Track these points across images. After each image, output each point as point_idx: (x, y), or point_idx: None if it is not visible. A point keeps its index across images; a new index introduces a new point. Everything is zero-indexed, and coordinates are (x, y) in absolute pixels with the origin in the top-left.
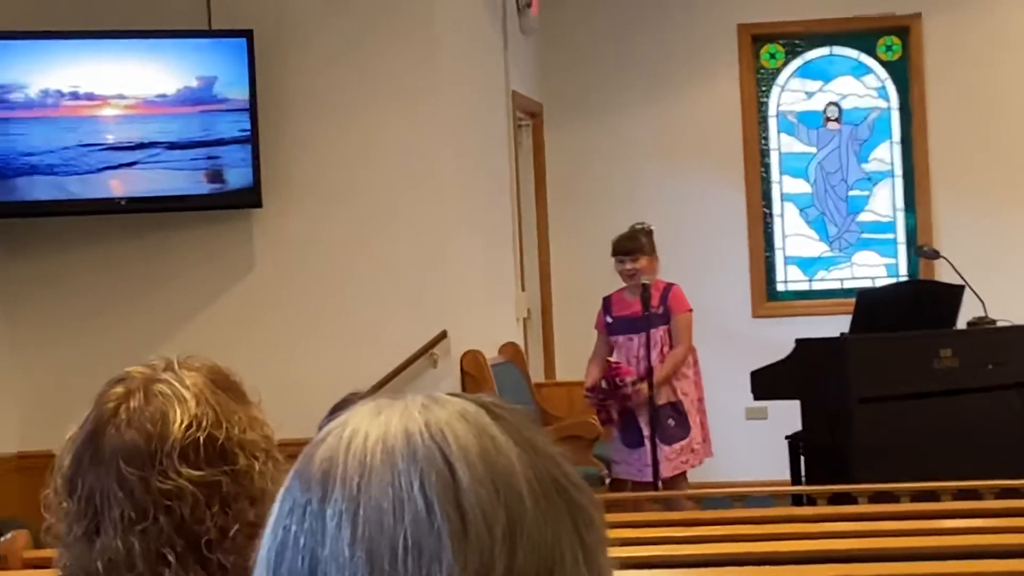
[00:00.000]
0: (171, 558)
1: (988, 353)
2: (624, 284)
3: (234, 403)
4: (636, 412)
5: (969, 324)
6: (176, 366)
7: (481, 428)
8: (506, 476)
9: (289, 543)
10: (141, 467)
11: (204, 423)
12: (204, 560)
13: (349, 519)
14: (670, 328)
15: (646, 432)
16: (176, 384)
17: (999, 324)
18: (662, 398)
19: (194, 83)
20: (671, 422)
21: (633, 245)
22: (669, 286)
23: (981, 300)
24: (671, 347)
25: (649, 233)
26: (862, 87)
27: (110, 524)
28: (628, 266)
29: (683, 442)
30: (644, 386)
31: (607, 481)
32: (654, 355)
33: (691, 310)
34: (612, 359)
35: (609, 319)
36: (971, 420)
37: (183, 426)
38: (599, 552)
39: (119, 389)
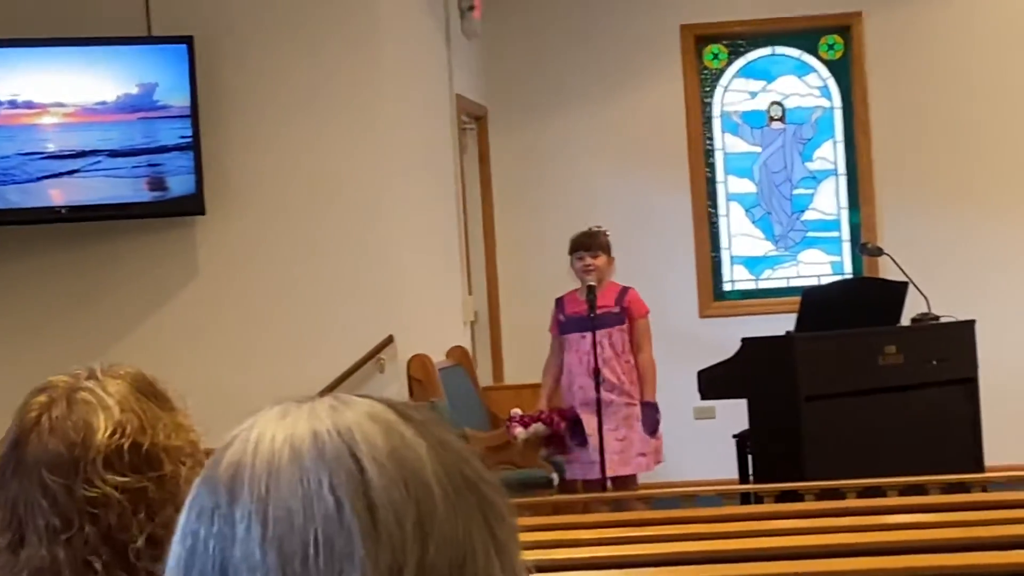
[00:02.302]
0: (97, 566)
1: (932, 349)
2: (577, 285)
3: (159, 409)
4: (581, 412)
5: (913, 321)
6: (99, 374)
7: (389, 426)
8: (415, 472)
9: (199, 549)
10: (65, 475)
11: (128, 429)
12: (131, 568)
13: (259, 519)
14: (630, 331)
15: (589, 430)
16: (99, 391)
17: (943, 320)
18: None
19: (134, 90)
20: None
21: (594, 241)
22: (625, 288)
23: (925, 297)
24: (632, 349)
25: (607, 235)
26: (805, 86)
27: (34, 534)
28: (588, 261)
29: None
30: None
31: (556, 483)
32: (609, 355)
33: (648, 312)
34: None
35: (562, 317)
36: (916, 416)
37: (107, 433)
38: (511, 546)
39: (41, 398)
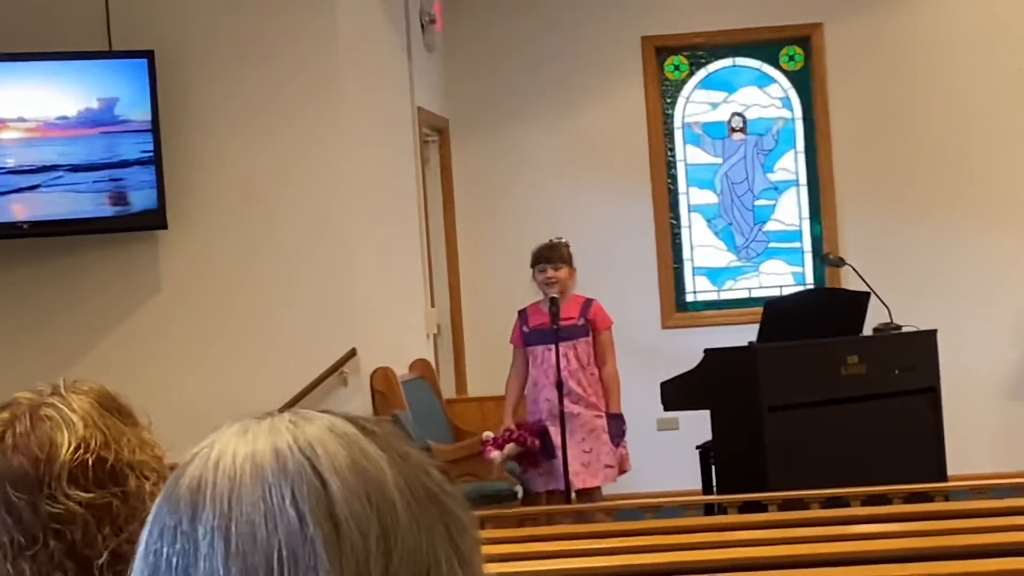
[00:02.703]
0: None
1: (894, 359)
2: (540, 296)
3: (123, 425)
4: (549, 424)
5: (875, 330)
6: (63, 390)
7: (350, 440)
8: (378, 485)
9: (161, 567)
10: (29, 492)
11: (92, 445)
12: None
13: (222, 535)
14: (594, 343)
15: (557, 442)
16: (63, 408)
17: (904, 330)
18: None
19: (95, 104)
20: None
21: (555, 254)
22: (589, 301)
23: (887, 306)
24: (596, 360)
25: (568, 246)
26: (766, 97)
27: None
28: (550, 273)
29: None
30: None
31: (519, 495)
32: (575, 367)
33: (612, 324)
34: (484, 436)
35: (526, 329)
36: (879, 425)
37: (71, 449)
38: (474, 558)
39: (5, 415)
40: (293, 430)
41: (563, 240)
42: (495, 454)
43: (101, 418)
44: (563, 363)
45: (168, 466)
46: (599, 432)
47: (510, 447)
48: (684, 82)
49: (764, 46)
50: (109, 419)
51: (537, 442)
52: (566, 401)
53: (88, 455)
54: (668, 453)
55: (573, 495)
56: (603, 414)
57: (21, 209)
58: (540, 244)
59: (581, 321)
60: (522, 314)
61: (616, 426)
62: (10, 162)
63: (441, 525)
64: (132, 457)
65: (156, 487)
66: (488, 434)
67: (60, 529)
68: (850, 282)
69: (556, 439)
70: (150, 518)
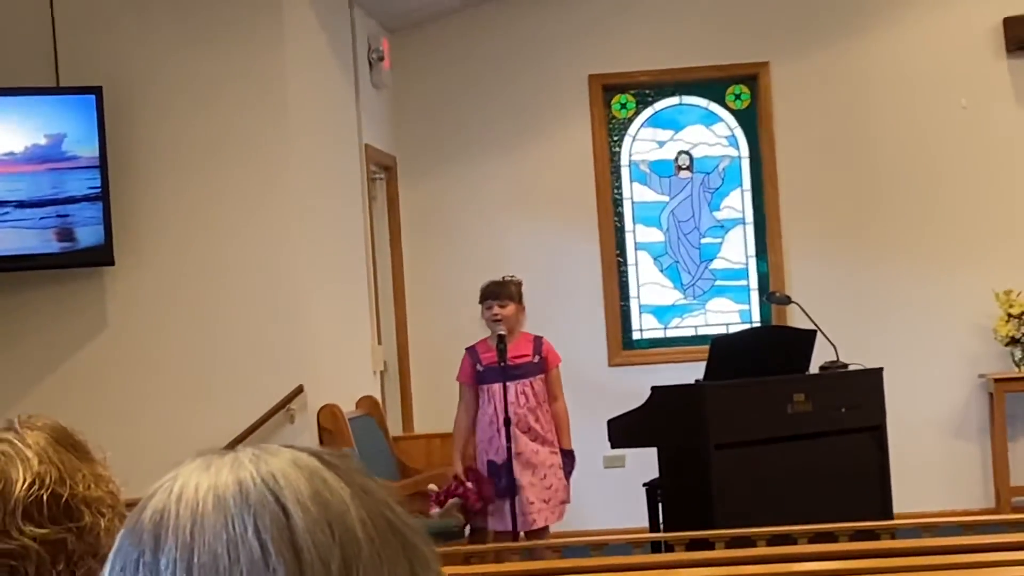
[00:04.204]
0: None
1: (841, 397)
2: (488, 333)
3: (78, 460)
4: (502, 461)
5: (821, 368)
6: (18, 426)
7: (312, 472)
8: (340, 516)
9: None
10: None
11: (47, 481)
12: None
13: (184, 566)
14: (545, 379)
15: (521, 481)
16: (18, 443)
17: (851, 368)
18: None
19: (42, 141)
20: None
21: (503, 290)
22: (539, 338)
23: (833, 344)
24: (548, 398)
25: (518, 284)
26: (712, 136)
27: None
28: (496, 310)
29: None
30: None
31: (466, 533)
32: (533, 404)
33: (561, 361)
34: (428, 488)
35: (480, 367)
36: (826, 463)
37: (26, 484)
38: None
39: None
40: (256, 463)
41: (514, 278)
42: (435, 511)
43: (56, 453)
44: (521, 400)
45: (123, 502)
46: (556, 469)
47: (452, 502)
48: (631, 120)
49: (711, 85)
50: (64, 455)
51: (477, 500)
52: (525, 439)
53: (43, 491)
54: (615, 491)
55: (522, 533)
56: (558, 450)
57: None
58: (489, 280)
59: (536, 358)
60: (472, 352)
61: (568, 462)
62: None
63: (403, 558)
64: (87, 493)
65: (111, 523)
66: (432, 487)
67: (14, 565)
68: (796, 320)
69: (524, 478)
70: (113, 552)
